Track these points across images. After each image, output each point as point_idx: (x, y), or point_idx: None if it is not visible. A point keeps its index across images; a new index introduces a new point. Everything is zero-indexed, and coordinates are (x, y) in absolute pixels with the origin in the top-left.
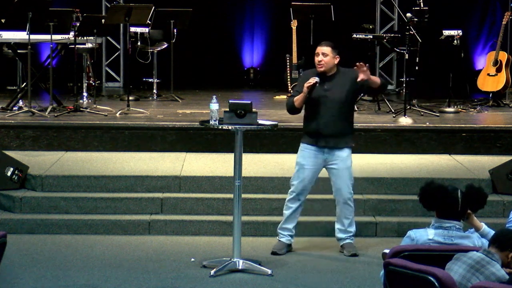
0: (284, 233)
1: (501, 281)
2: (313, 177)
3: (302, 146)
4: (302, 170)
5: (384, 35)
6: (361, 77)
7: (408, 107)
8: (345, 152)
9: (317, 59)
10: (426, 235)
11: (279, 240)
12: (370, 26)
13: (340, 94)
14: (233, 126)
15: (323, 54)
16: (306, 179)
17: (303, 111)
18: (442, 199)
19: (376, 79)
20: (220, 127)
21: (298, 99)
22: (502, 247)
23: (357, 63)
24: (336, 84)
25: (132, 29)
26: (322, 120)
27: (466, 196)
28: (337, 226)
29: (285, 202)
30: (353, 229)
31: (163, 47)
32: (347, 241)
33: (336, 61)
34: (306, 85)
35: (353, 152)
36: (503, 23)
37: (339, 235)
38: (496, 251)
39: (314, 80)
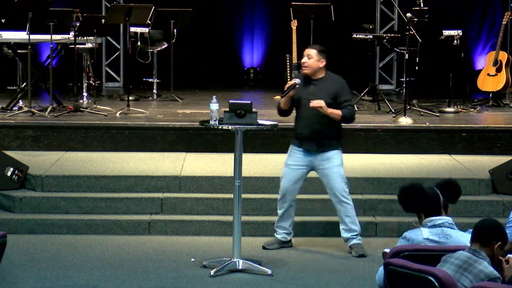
0: (280, 231)
1: (491, 278)
2: (299, 177)
3: (290, 147)
4: (287, 169)
5: (384, 35)
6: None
7: (408, 107)
8: (330, 154)
9: (302, 60)
10: (421, 234)
11: (274, 236)
12: (370, 26)
13: (322, 99)
14: (233, 126)
15: (308, 56)
16: (292, 178)
17: None
18: (425, 198)
19: (336, 115)
20: (220, 127)
21: (282, 99)
22: (484, 242)
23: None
24: (320, 88)
25: (132, 29)
26: (304, 123)
27: (442, 189)
28: (341, 226)
29: (277, 202)
30: (356, 227)
31: (163, 47)
32: (354, 241)
33: (321, 64)
34: (286, 86)
35: (353, 152)
36: (503, 23)
37: (345, 235)
38: (479, 247)
39: (293, 81)
